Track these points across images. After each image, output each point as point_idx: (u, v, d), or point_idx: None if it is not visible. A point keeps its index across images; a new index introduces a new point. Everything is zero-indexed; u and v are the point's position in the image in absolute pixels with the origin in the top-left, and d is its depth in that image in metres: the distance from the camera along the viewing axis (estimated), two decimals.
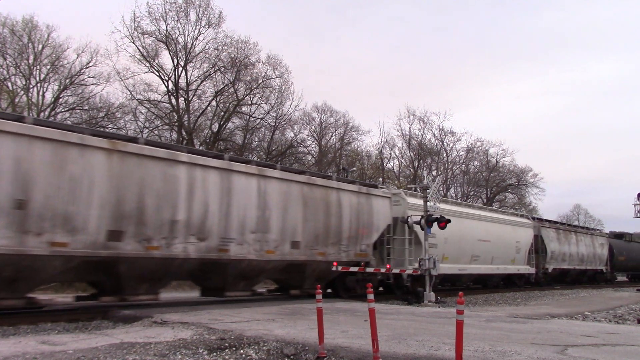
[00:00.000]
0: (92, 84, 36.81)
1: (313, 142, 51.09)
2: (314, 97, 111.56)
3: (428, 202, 18.71)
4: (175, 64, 36.77)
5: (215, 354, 7.10)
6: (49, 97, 35.96)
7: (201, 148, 39.36)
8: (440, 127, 57.10)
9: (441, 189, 49.50)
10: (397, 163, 57.32)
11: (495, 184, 60.35)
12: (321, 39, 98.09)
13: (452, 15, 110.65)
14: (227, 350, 7.27)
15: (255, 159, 44.15)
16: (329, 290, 18.27)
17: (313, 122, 51.43)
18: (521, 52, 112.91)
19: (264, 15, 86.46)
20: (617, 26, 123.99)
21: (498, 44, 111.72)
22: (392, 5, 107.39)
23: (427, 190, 19.02)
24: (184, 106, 37.38)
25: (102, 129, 36.38)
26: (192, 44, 37.03)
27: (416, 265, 18.50)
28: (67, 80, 35.93)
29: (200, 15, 37.13)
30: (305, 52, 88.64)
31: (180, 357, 6.83)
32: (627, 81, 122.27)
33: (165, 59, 37.33)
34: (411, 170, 55.90)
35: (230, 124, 40.56)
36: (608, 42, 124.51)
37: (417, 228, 19.11)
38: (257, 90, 39.60)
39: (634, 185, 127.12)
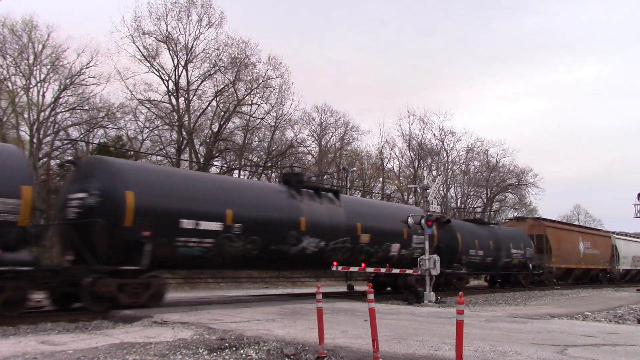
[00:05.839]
0: (93, 84, 36.83)
1: (313, 142, 51.18)
2: (313, 98, 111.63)
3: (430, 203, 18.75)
4: (175, 64, 36.80)
5: (215, 354, 7.10)
6: (49, 97, 35.96)
7: (201, 148, 39.45)
8: (441, 127, 57.22)
9: (441, 189, 49.55)
10: (397, 163, 57.42)
11: (495, 184, 60.35)
12: (306, 40, 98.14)
13: (435, 18, 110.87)
14: (227, 350, 7.26)
15: (255, 159, 44.27)
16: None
17: (313, 122, 51.54)
18: (507, 54, 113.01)
19: (249, 16, 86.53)
20: (596, 29, 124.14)
21: (480, 47, 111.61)
22: (375, 7, 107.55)
23: (427, 190, 19.03)
24: (184, 106, 37.38)
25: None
26: (193, 44, 37.07)
27: None
28: (67, 80, 35.92)
29: (201, 16, 37.18)
30: (291, 52, 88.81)
31: (180, 357, 6.83)
32: (611, 82, 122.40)
33: (166, 59, 37.39)
34: (411, 170, 55.92)
35: (230, 124, 40.60)
36: (590, 44, 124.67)
37: None
38: (258, 90, 39.63)
39: (634, 185, 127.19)
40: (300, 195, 16.54)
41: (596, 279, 38.79)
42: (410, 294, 19.01)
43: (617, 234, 44.81)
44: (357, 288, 23.01)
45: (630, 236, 47.47)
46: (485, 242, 25.87)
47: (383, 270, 18.62)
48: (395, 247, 19.42)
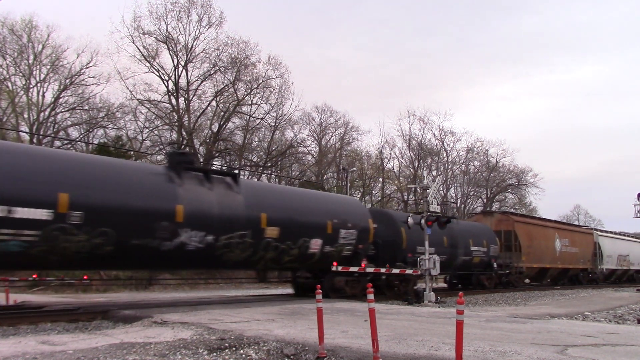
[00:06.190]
0: (92, 84, 36.94)
1: (313, 142, 51.23)
2: (313, 98, 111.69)
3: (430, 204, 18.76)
4: (175, 64, 36.85)
5: (215, 354, 7.10)
6: (49, 97, 36.03)
7: (201, 148, 39.48)
8: (441, 127, 57.32)
9: (441, 189, 49.55)
10: (397, 163, 57.48)
11: (495, 184, 60.41)
12: (306, 40, 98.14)
13: (434, 18, 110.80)
14: (227, 351, 7.26)
15: (255, 159, 44.29)
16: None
17: (313, 122, 51.61)
18: (507, 54, 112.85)
19: (249, 16, 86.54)
20: (596, 29, 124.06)
21: (479, 47, 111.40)
22: (374, 6, 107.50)
23: (427, 191, 19.04)
24: (184, 106, 37.41)
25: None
26: (193, 44, 37.11)
27: None
28: (67, 80, 35.98)
29: (201, 16, 37.21)
30: (291, 52, 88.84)
31: (180, 357, 6.83)
32: (611, 82, 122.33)
33: (166, 59, 37.44)
34: (411, 170, 55.97)
35: (230, 124, 40.68)
36: (589, 44, 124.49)
37: None
38: (257, 90, 39.69)
39: (634, 185, 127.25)
40: (181, 179, 13.39)
41: (576, 280, 35.77)
42: (337, 296, 16.88)
43: (601, 231, 42.08)
44: (272, 292, 21.25)
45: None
46: (438, 238, 22.14)
47: (383, 270, 18.60)
48: (315, 244, 16.32)
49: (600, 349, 7.40)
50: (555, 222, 39.10)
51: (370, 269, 18.12)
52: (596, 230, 41.17)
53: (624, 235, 44.77)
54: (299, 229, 15.90)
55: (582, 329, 9.93)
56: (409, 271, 19.26)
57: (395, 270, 18.93)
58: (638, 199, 33.70)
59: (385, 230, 19.99)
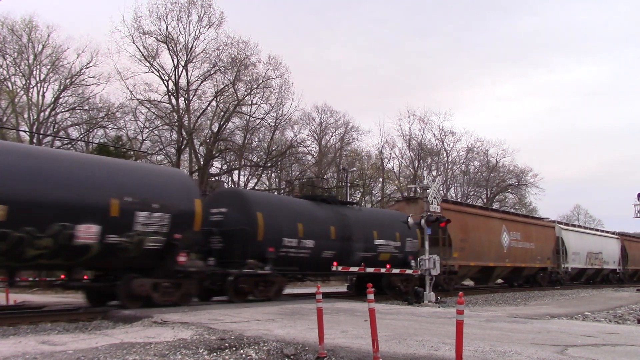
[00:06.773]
0: (92, 84, 36.97)
1: (313, 142, 51.29)
2: (313, 98, 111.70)
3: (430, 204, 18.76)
4: (175, 64, 36.88)
5: (215, 354, 7.10)
6: (49, 97, 36.06)
7: (201, 148, 39.50)
8: (441, 127, 57.32)
9: (441, 189, 49.56)
10: (397, 163, 57.49)
11: (495, 184, 60.40)
12: (305, 40, 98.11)
13: (434, 18, 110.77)
14: (227, 351, 7.27)
15: (255, 159, 44.27)
16: None
17: (313, 122, 51.69)
18: (506, 55, 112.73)
19: (249, 16, 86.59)
20: (595, 29, 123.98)
21: (478, 47, 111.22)
22: (374, 7, 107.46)
23: (427, 191, 19.04)
24: (184, 106, 37.41)
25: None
26: (193, 44, 37.13)
27: None
28: (67, 80, 36.00)
29: (201, 16, 37.23)
30: (291, 53, 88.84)
31: (180, 357, 6.83)
32: (611, 82, 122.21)
33: (166, 59, 37.48)
34: (411, 170, 55.99)
35: (230, 124, 40.70)
36: (589, 44, 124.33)
37: None
38: (257, 91, 39.70)
39: (634, 185, 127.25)
40: None
41: (534, 281, 30.53)
42: (138, 305, 12.23)
43: (566, 224, 37.21)
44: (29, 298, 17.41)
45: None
46: (321, 229, 17.26)
47: (383, 270, 18.57)
48: (87, 230, 11.33)
49: (600, 349, 7.40)
50: (503, 212, 33.66)
51: (370, 269, 18.07)
52: (559, 223, 35.42)
53: (596, 230, 40.62)
54: (50, 209, 10.88)
55: (582, 329, 9.93)
56: (408, 271, 19.22)
57: (395, 271, 18.86)
58: (638, 199, 33.71)
59: (236, 216, 15.26)
